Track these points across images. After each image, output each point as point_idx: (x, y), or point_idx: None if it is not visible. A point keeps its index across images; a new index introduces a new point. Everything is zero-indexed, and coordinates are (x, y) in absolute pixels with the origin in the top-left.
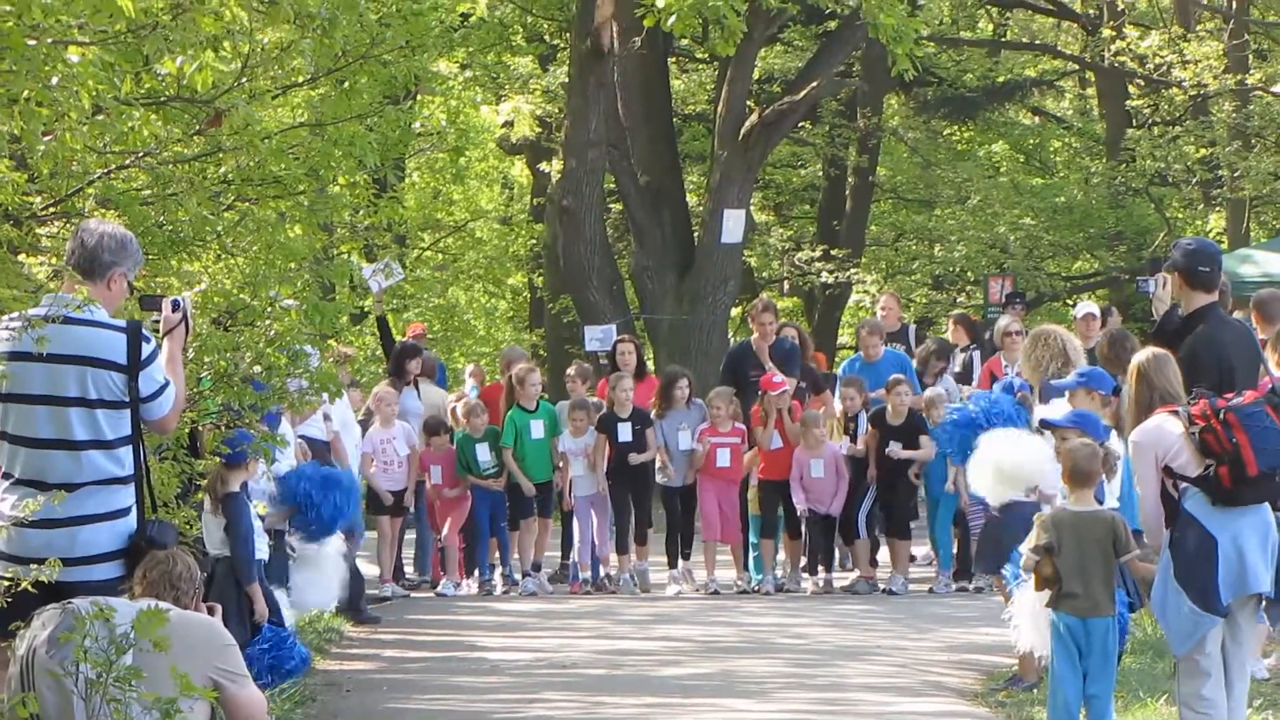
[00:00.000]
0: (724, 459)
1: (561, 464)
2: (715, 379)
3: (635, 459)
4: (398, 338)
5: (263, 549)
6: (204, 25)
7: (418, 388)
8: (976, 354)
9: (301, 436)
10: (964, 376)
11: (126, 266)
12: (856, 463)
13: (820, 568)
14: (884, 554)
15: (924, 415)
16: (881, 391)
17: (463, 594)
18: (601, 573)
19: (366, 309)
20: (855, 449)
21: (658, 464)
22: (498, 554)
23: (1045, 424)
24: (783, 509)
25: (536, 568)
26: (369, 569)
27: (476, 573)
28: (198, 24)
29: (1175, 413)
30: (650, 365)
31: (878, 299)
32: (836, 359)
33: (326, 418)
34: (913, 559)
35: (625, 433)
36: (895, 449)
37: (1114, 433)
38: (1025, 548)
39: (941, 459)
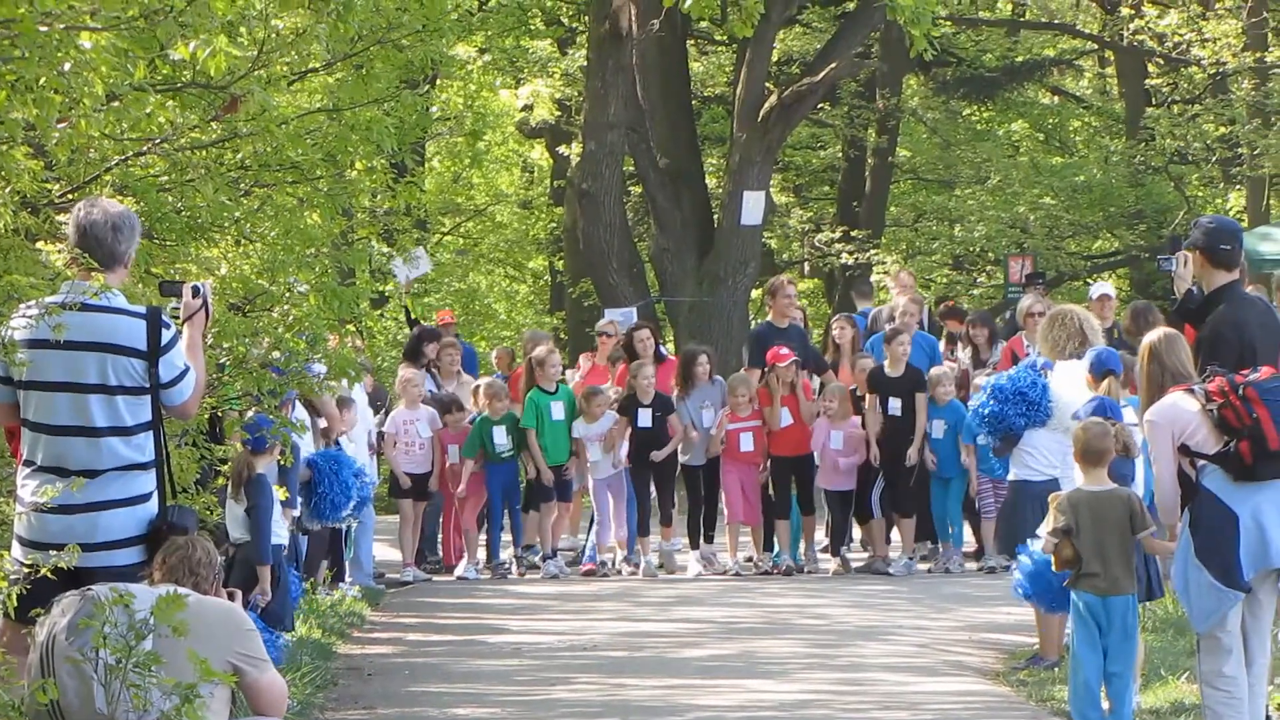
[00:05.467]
0: (747, 443)
1: (578, 450)
2: (736, 361)
3: (657, 456)
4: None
5: (282, 534)
6: (218, 10)
7: (432, 372)
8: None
9: None
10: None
11: (134, 244)
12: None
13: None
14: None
15: (930, 395)
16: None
17: (484, 577)
18: (615, 557)
19: (387, 293)
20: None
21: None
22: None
23: (1075, 417)
24: (795, 487)
25: (555, 552)
26: (390, 553)
27: (488, 555)
28: (211, 8)
29: (1190, 391)
30: (670, 348)
31: (898, 275)
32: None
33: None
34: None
35: (645, 419)
36: (912, 454)
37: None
38: (1043, 530)
39: (952, 439)
